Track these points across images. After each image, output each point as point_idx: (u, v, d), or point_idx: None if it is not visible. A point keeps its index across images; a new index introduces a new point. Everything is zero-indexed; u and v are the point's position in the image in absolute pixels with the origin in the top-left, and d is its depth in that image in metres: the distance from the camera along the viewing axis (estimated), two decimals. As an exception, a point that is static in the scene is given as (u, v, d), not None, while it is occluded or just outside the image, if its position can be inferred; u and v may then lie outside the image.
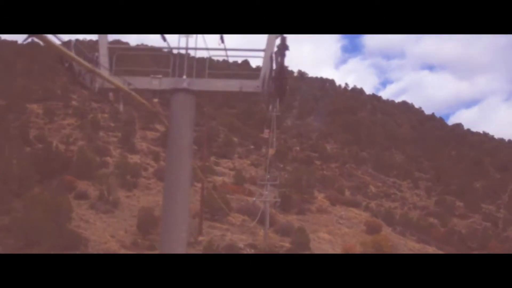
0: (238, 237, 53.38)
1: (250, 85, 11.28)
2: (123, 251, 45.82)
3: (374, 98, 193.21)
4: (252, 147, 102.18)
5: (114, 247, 46.32)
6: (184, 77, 11.33)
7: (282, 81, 10.91)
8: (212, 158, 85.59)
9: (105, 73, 10.50)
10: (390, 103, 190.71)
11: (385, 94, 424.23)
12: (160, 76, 11.50)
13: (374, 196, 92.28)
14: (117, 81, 10.69)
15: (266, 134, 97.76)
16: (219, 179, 75.97)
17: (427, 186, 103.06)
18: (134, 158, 70.68)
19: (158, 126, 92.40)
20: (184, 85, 11.24)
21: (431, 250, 66.29)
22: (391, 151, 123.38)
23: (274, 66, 10.66)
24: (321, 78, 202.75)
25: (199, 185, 57.78)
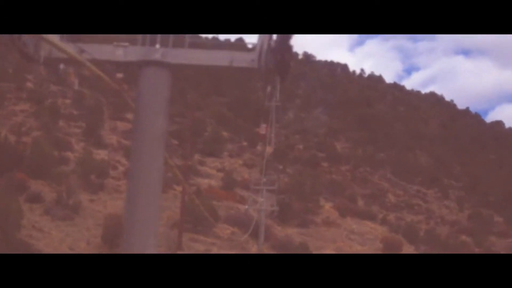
0: (226, 253, 52.61)
1: (243, 59, 10.14)
2: (83, 268, 45.00)
3: (396, 87, 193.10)
4: (245, 143, 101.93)
5: (72, 263, 45.56)
6: (157, 46, 10.30)
7: (285, 53, 9.83)
8: (197, 156, 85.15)
9: (53, 37, 9.46)
10: (415, 95, 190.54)
11: (410, 83, 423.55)
12: (126, 44, 10.43)
13: (394, 206, 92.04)
14: (70, 48, 9.64)
15: (262, 129, 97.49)
16: (204, 181, 75.47)
17: (459, 196, 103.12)
18: (101, 154, 69.94)
19: (130, 116, 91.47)
20: (157, 56, 10.21)
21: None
22: (415, 153, 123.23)
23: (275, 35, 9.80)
24: (332, 62, 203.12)
25: (180, 188, 57.27)
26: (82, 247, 48.35)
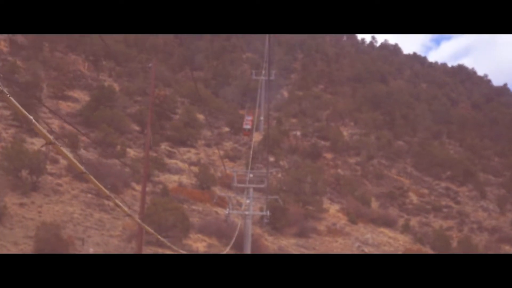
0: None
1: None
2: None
3: (416, 59, 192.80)
4: (226, 129, 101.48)
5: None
6: None
7: None
8: (164, 146, 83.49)
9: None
10: (440, 68, 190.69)
11: (438, 56, 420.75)
12: None
13: (417, 209, 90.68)
14: None
15: (247, 122, 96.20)
16: (173, 178, 73.97)
17: (499, 195, 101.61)
18: (37, 144, 67.18)
19: (78, 93, 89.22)
20: None
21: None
22: (442, 141, 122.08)
23: None
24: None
25: (139, 187, 54.59)
26: (7, 268, 45.25)
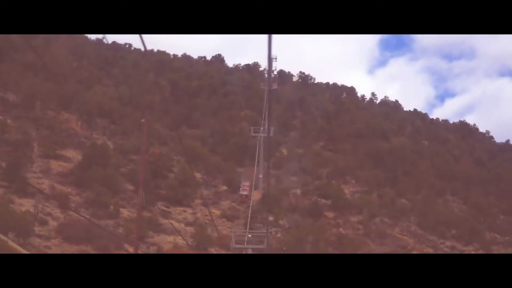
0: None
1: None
2: None
3: (417, 116, 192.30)
4: (223, 188, 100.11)
5: None
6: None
7: None
8: (159, 205, 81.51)
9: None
10: (441, 125, 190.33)
11: (442, 112, 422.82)
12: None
13: None
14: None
15: (245, 189, 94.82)
16: (168, 239, 72.29)
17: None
18: (25, 204, 66.12)
19: (71, 152, 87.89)
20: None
21: None
22: (446, 198, 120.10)
23: None
24: (335, 85, 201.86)
25: (131, 249, 54.24)
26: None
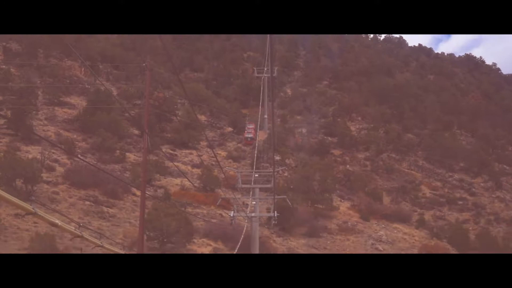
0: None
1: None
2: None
3: (422, 51, 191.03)
4: (229, 129, 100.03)
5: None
6: None
7: None
8: (165, 148, 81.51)
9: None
10: (447, 59, 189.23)
11: (449, 47, 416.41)
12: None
13: (430, 203, 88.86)
14: None
15: (250, 131, 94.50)
16: (175, 182, 72.27)
17: None
18: (32, 152, 65.96)
19: (75, 98, 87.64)
20: None
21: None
22: (453, 132, 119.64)
23: None
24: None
25: (139, 193, 53.41)
26: None
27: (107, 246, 15.98)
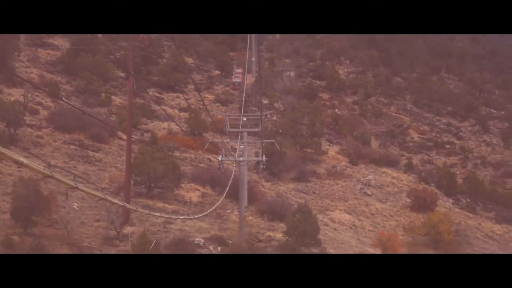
0: (194, 225, 47.50)
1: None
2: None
3: None
4: (217, 72, 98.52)
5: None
6: None
7: None
8: (151, 92, 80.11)
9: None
10: None
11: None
12: None
13: (418, 147, 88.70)
14: None
15: (237, 75, 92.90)
16: (162, 126, 71.09)
17: (503, 128, 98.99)
18: (14, 94, 64.40)
19: (59, 40, 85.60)
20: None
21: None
22: (440, 75, 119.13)
23: None
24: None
25: (125, 136, 52.43)
26: (-17, 228, 42.55)
27: (82, 187, 14.58)
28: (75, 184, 13.92)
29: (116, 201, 20.37)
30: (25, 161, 10.33)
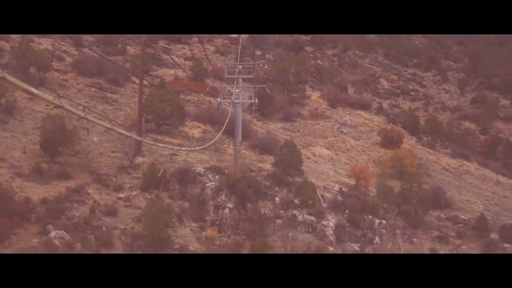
0: (195, 156, 47.29)
1: None
2: (18, 182, 39.04)
3: None
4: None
5: (4, 176, 39.10)
6: None
7: None
8: (160, 43, 78.75)
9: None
10: None
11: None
12: None
13: (388, 93, 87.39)
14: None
15: (233, 39, 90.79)
16: (169, 72, 69.56)
17: (459, 78, 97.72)
18: (43, 43, 62.84)
19: None
20: None
21: (472, 167, 61.19)
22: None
23: None
24: None
25: (138, 81, 51.49)
26: (17, 157, 42.43)
27: (90, 118, 13.78)
28: (84, 115, 13.15)
29: (122, 131, 19.53)
30: (35, 91, 9.66)
